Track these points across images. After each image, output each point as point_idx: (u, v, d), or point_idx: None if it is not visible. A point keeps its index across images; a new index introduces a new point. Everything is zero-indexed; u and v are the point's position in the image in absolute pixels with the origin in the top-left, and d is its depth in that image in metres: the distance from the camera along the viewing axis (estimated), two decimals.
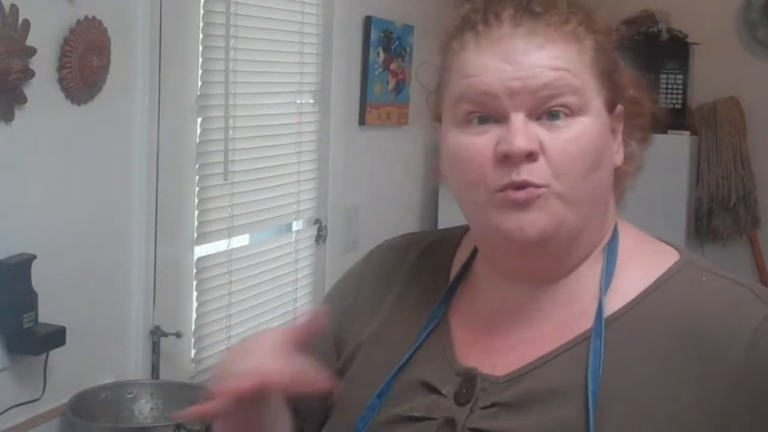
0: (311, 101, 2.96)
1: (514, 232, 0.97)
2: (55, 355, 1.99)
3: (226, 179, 2.52)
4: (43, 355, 1.96)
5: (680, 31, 3.87)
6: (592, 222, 1.01)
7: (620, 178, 1.07)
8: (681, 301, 0.98)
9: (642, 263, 1.03)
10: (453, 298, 1.08)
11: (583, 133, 0.97)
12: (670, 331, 0.96)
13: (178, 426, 2.02)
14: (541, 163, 0.95)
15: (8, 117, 1.88)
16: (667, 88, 3.78)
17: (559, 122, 0.96)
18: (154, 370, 2.32)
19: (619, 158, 1.04)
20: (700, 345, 0.95)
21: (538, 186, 0.95)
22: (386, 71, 3.30)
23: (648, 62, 3.80)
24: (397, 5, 3.38)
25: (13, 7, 1.85)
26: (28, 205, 1.96)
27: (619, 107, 1.03)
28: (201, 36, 2.46)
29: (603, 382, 0.94)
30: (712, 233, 4.07)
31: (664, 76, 3.78)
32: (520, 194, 0.95)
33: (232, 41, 2.51)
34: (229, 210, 2.59)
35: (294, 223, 2.97)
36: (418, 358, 1.04)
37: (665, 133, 3.72)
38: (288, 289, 2.88)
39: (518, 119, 0.96)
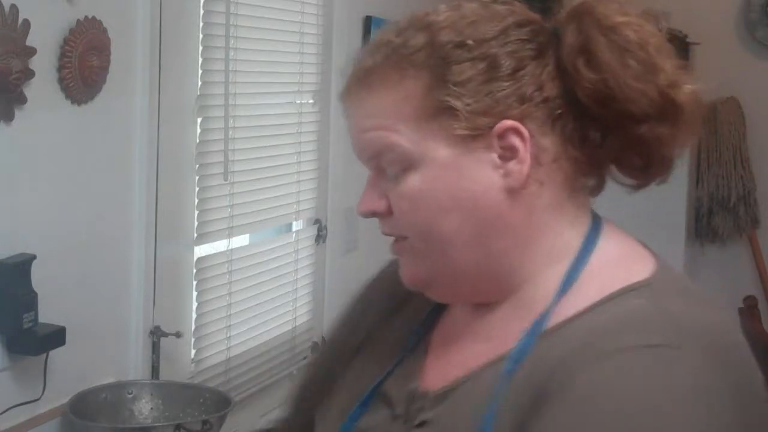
0: (311, 101, 2.96)
1: (402, 280, 1.01)
2: (55, 355, 1.99)
3: (226, 179, 2.52)
4: (43, 355, 1.96)
5: (680, 31, 3.87)
6: (494, 258, 0.95)
7: (576, 178, 0.96)
8: (597, 320, 0.88)
9: (601, 282, 0.93)
10: (440, 313, 1.06)
11: (413, 188, 0.94)
12: (565, 353, 0.87)
13: (178, 426, 2.02)
14: (394, 217, 0.97)
15: (8, 117, 1.88)
16: None
17: (397, 176, 0.96)
18: (154, 370, 2.32)
19: (514, 180, 0.92)
20: (570, 361, 0.86)
21: (398, 238, 0.98)
22: None
23: None
24: (397, 5, 3.37)
25: (13, 7, 1.85)
26: (28, 205, 1.96)
27: (504, 124, 0.92)
28: (201, 36, 2.46)
29: (499, 408, 0.88)
30: (712, 233, 4.07)
31: None
32: (393, 247, 1.00)
33: (232, 41, 2.50)
34: (229, 210, 2.59)
35: (294, 223, 2.97)
36: (396, 372, 1.03)
37: None
38: (288, 289, 2.88)
39: (369, 179, 0.99)
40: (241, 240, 2.72)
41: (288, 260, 2.88)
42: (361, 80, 0.96)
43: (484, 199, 0.92)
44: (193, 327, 2.49)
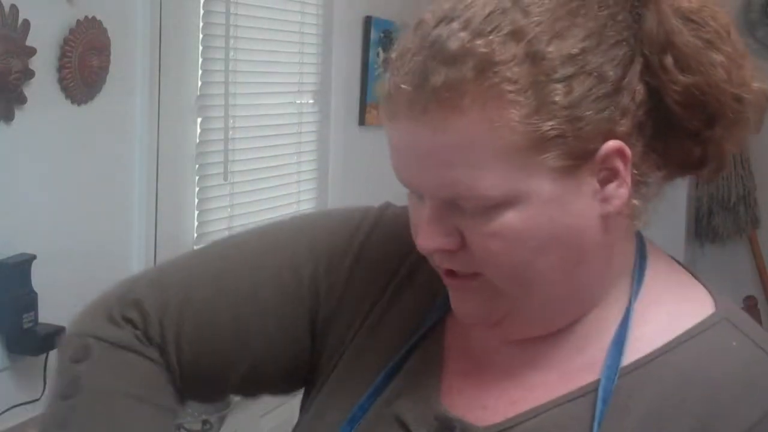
0: (311, 101, 2.97)
1: (460, 317, 0.86)
2: (55, 355, 1.99)
3: (226, 179, 2.53)
4: (43, 355, 1.96)
5: None
6: (579, 287, 0.82)
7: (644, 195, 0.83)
8: (701, 364, 0.80)
9: (668, 311, 0.84)
10: (446, 315, 0.90)
11: (509, 227, 0.76)
12: (679, 397, 0.79)
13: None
14: (467, 252, 0.79)
15: (8, 117, 1.88)
16: None
17: (482, 213, 0.76)
18: None
19: (614, 206, 0.78)
20: (705, 417, 0.77)
21: (466, 275, 0.81)
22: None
23: None
24: (397, 5, 3.37)
25: (13, 7, 1.85)
26: (28, 205, 1.96)
27: (610, 145, 0.76)
28: (201, 36, 2.46)
29: None
30: (712, 233, 4.07)
31: None
32: (453, 282, 0.82)
33: (232, 41, 2.51)
34: (229, 210, 2.59)
35: None
36: (398, 384, 0.87)
37: None
38: None
39: (426, 210, 0.78)
40: None
41: None
42: (442, 97, 0.73)
43: (585, 232, 0.78)
44: None
